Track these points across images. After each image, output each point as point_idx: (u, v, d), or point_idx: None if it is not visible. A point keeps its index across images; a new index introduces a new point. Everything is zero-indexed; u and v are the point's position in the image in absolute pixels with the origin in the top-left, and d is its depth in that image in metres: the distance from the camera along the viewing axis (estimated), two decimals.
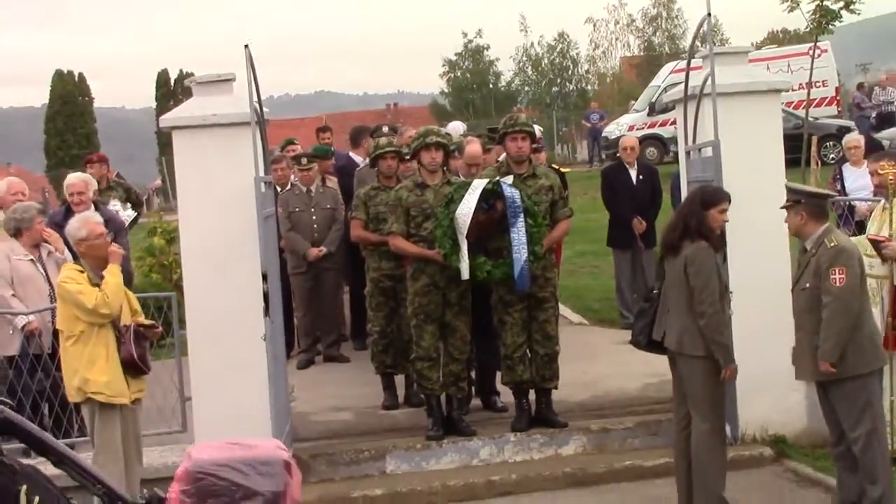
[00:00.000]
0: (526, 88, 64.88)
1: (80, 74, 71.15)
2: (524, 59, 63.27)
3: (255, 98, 8.40)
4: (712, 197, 7.72)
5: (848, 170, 12.64)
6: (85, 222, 8.09)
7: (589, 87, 62.98)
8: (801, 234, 7.59)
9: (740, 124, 8.93)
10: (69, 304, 7.82)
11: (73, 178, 10.49)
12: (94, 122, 69.61)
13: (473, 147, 10.30)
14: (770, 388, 9.18)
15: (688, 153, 9.60)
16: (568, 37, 63.10)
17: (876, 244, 8.44)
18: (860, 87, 32.59)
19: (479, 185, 9.08)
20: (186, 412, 9.45)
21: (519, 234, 9.01)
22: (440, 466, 9.23)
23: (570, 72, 63.63)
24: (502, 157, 11.15)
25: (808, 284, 7.43)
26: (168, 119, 9.12)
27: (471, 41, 63.79)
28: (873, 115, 30.50)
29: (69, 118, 66.67)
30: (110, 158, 13.78)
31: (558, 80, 63.59)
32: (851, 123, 29.32)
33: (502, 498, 8.80)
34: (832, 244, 7.34)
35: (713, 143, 8.60)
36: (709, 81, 8.79)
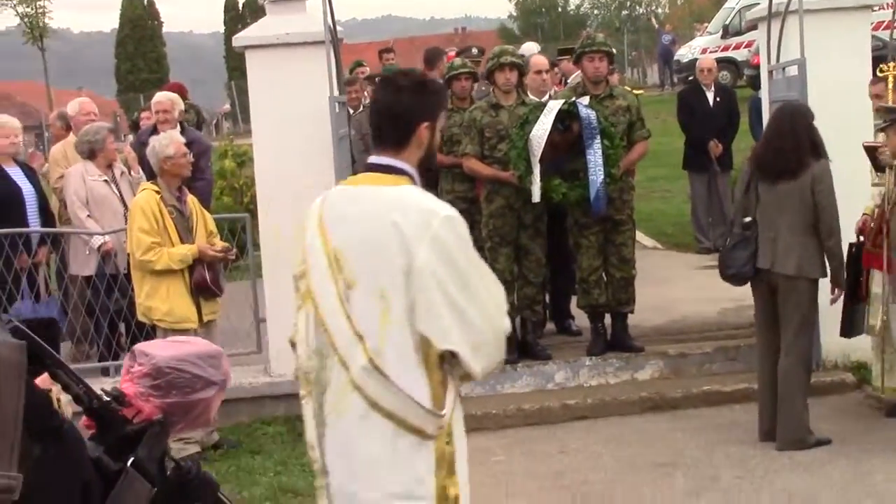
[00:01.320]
0: (595, 12, 64.30)
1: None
2: None
3: (330, 16, 8.28)
4: (808, 112, 7.50)
5: None
6: (171, 140, 8.06)
7: (660, 10, 62.16)
8: None
9: (827, 42, 8.65)
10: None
11: (160, 97, 10.41)
12: (163, 47, 69.82)
13: (537, 56, 10.13)
14: None
15: (770, 73, 9.35)
16: None
17: (871, 150, 8.13)
18: None
19: (554, 106, 8.92)
20: (261, 333, 9.45)
21: (595, 156, 8.86)
22: (515, 390, 9.17)
23: None
24: (573, 76, 11.00)
25: None
26: (241, 38, 9.02)
27: None
28: None
29: (139, 42, 66.94)
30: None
31: (628, 4, 62.83)
32: None
33: (577, 422, 8.72)
34: None
35: (799, 61, 8.35)
36: None
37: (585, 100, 9.04)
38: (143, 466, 2.83)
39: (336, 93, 8.54)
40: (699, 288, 11.08)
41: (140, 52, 66.68)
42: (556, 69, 12.20)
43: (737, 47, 31.84)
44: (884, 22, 23.93)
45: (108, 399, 2.91)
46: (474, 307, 3.77)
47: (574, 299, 9.83)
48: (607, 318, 9.53)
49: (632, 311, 9.48)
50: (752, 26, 32.94)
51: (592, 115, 8.87)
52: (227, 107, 49.63)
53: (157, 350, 3.12)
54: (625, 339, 9.47)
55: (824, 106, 8.28)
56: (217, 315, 8.26)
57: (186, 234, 7.99)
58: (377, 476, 3.81)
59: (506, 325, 3.87)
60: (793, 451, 7.51)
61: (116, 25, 70.60)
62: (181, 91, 12.82)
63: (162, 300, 7.88)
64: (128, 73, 65.97)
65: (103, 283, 9.11)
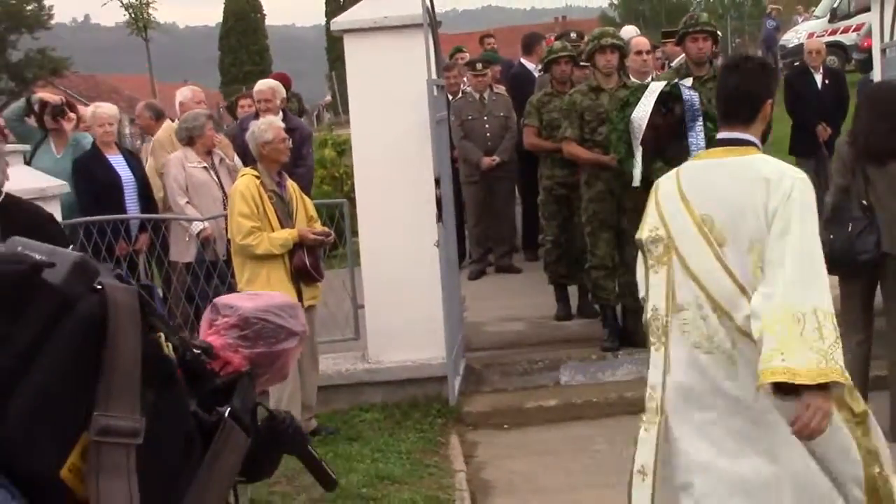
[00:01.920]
0: None
1: None
2: None
3: None
4: None
5: None
6: (270, 125, 8.02)
7: None
8: None
9: None
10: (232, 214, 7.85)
11: (261, 85, 10.39)
12: (265, 39, 70.45)
13: (638, 38, 9.96)
14: None
15: (883, 51, 9.05)
16: None
17: None
18: None
19: (656, 88, 8.72)
20: (359, 320, 9.41)
21: (697, 139, 8.63)
22: (616, 378, 9.01)
23: None
24: (677, 60, 10.77)
25: None
26: (339, 22, 8.97)
27: None
28: None
29: (242, 35, 67.58)
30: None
31: (704, 14, 61.85)
32: None
33: None
34: None
35: None
36: None
37: (689, 81, 8.83)
38: (239, 417, 2.84)
39: (434, 76, 8.43)
40: None
41: (243, 44, 67.30)
42: (658, 52, 11.99)
43: (845, 31, 31.07)
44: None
45: (199, 352, 2.93)
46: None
47: None
48: None
49: None
50: (862, 9, 32.67)
51: (695, 97, 8.65)
52: (329, 98, 49.87)
53: (241, 302, 3.17)
54: None
55: None
56: (318, 300, 8.22)
57: (287, 219, 7.95)
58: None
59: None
60: None
61: (220, 20, 71.35)
62: (285, 80, 12.82)
63: (262, 285, 7.84)
64: (231, 65, 66.66)
65: (202, 270, 9.13)
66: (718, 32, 9.31)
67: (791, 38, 34.09)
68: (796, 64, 28.60)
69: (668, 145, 8.81)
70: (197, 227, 9.22)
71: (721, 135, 4.54)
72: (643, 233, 4.55)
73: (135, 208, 9.57)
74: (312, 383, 8.15)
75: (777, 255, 4.06)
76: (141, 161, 10.23)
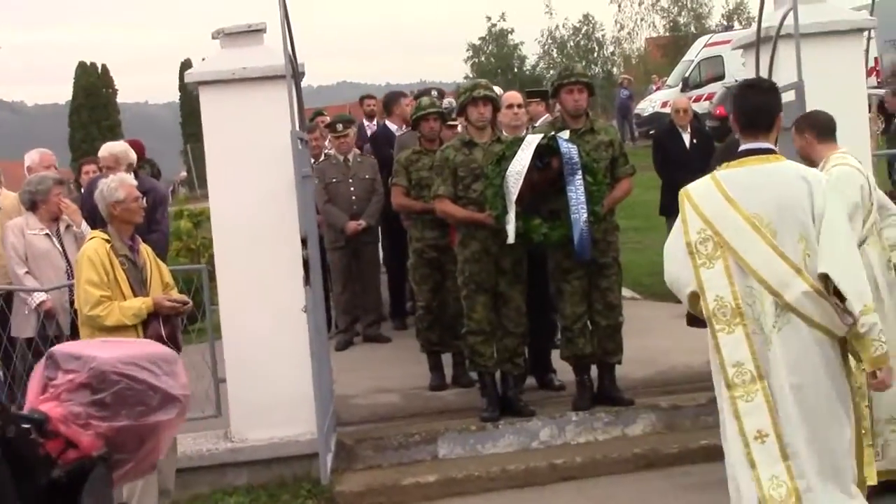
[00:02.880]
0: (551, 72, 64.16)
1: (104, 66, 70.43)
2: (549, 41, 62.84)
3: (290, 49, 7.65)
4: None
5: None
6: (122, 182, 7.32)
7: (615, 69, 62.34)
8: None
9: (820, 68, 8.09)
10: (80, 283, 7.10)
11: (105, 149, 9.30)
12: (118, 115, 69.10)
13: (511, 92, 9.58)
14: None
15: None
16: (593, 18, 62.78)
17: None
18: None
19: (532, 141, 8.33)
20: (221, 395, 8.73)
21: (577, 194, 8.26)
22: (497, 450, 8.49)
23: (595, 54, 63.06)
24: (542, 119, 10.47)
25: None
26: (194, 74, 8.37)
27: (494, 25, 63.16)
28: None
29: (93, 111, 66.11)
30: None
31: (584, 63, 62.81)
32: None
33: (566, 483, 8.06)
34: None
35: (797, 84, 7.76)
36: (787, 20, 7.98)
37: (565, 134, 8.46)
38: None
39: (298, 128, 7.88)
40: (682, 338, 10.35)
41: (94, 119, 65.84)
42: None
43: (697, 99, 31.55)
44: None
45: (27, 426, 2.00)
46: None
47: (555, 351, 9.20)
48: (593, 370, 8.88)
49: (619, 362, 8.86)
50: (712, 78, 33.29)
51: (574, 149, 8.28)
52: (184, 174, 49.11)
53: (94, 350, 2.21)
54: (613, 392, 8.82)
55: None
56: None
57: (140, 286, 7.24)
58: (815, 369, 5.26)
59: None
60: None
61: (70, 97, 69.81)
62: (137, 147, 12.07)
63: None
64: (82, 141, 64.97)
65: (46, 346, 8.34)
66: (593, 83, 8.95)
67: (646, 106, 34.79)
68: (652, 133, 29.03)
69: (546, 202, 8.42)
70: (38, 297, 8.46)
71: (748, 146, 5.47)
72: (689, 236, 5.39)
73: None
74: (171, 466, 7.42)
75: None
76: None
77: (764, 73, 8.60)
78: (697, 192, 5.42)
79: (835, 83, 8.35)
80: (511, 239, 8.25)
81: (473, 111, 8.65)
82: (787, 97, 8.08)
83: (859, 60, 8.73)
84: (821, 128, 6.92)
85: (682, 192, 5.50)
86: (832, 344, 5.27)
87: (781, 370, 5.23)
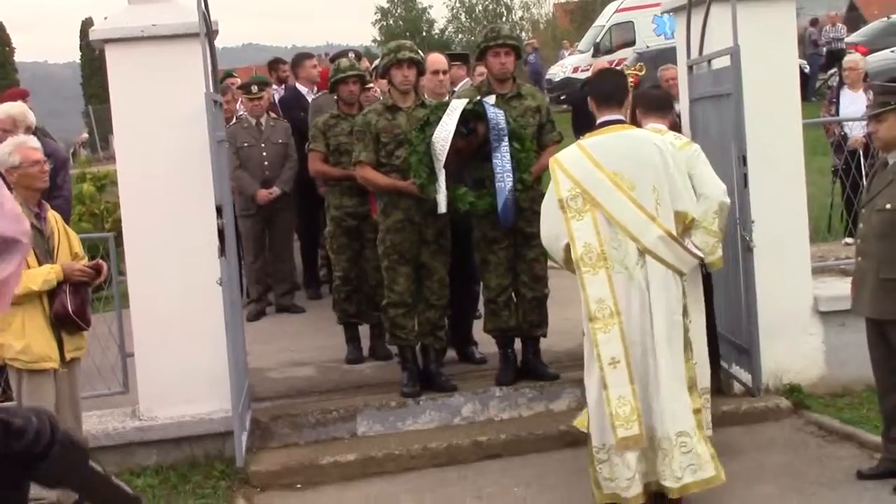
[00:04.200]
0: (459, 36, 64.12)
1: (0, 23, 68.61)
2: (457, 6, 62.63)
3: (203, 5, 7.21)
4: None
5: (845, 94, 11.80)
6: (18, 147, 6.81)
7: (523, 34, 62.30)
8: (892, 145, 6.57)
9: (754, 33, 7.84)
10: None
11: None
12: (15, 74, 67.20)
13: (434, 55, 9.21)
14: (785, 332, 8.31)
15: (690, 68, 8.55)
16: None
17: None
18: (814, 22, 31.65)
19: (458, 106, 8.00)
20: (128, 370, 8.30)
21: (503, 161, 7.95)
22: (418, 426, 8.19)
23: (503, 18, 62.89)
24: (462, 83, 10.16)
25: (888, 206, 6.42)
26: (99, 31, 7.85)
27: None
28: (824, 51, 29.95)
29: None
30: (35, 113, 12.09)
31: (506, 26, 62.81)
32: (803, 62, 28.67)
33: (490, 461, 7.77)
34: None
35: (732, 49, 7.49)
36: None
37: (491, 99, 8.14)
38: None
39: (212, 90, 7.44)
40: None
41: None
42: None
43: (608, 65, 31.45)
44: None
45: None
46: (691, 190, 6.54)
47: (477, 322, 9.00)
48: (517, 344, 8.61)
49: (544, 335, 8.59)
50: (623, 44, 33.24)
51: (500, 115, 7.97)
52: (85, 135, 47.95)
53: None
54: (538, 366, 8.55)
55: (755, 101, 7.75)
56: (83, 352, 7.06)
57: (46, 256, 6.75)
58: (669, 304, 6.22)
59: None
60: (739, 489, 6.71)
61: None
62: (22, 97, 11.49)
63: (16, 336, 6.62)
64: None
65: None
66: (520, 45, 8.63)
67: (557, 71, 34.74)
68: (563, 97, 28.77)
69: (472, 169, 8.11)
70: None
71: (605, 118, 6.53)
72: (561, 193, 6.29)
73: None
74: None
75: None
76: None
77: (695, 37, 8.37)
78: (566, 159, 6.43)
79: (768, 48, 8.14)
80: (443, 208, 7.95)
81: (398, 74, 8.28)
82: (723, 62, 7.88)
83: (792, 25, 8.50)
84: (647, 105, 7.54)
85: (551, 160, 6.53)
86: (676, 282, 6.28)
87: (638, 303, 6.18)
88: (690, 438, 6.17)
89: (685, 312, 6.34)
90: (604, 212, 6.19)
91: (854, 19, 40.14)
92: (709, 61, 8.18)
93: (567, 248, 6.28)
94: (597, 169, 6.25)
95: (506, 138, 7.96)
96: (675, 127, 7.95)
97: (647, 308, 6.18)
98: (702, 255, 6.56)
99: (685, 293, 6.38)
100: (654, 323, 6.17)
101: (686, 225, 6.45)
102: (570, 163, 6.37)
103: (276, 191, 11.03)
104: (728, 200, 6.95)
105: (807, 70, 28.20)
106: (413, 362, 8.46)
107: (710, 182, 6.87)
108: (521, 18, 63.55)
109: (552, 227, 6.43)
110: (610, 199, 6.20)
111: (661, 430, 6.18)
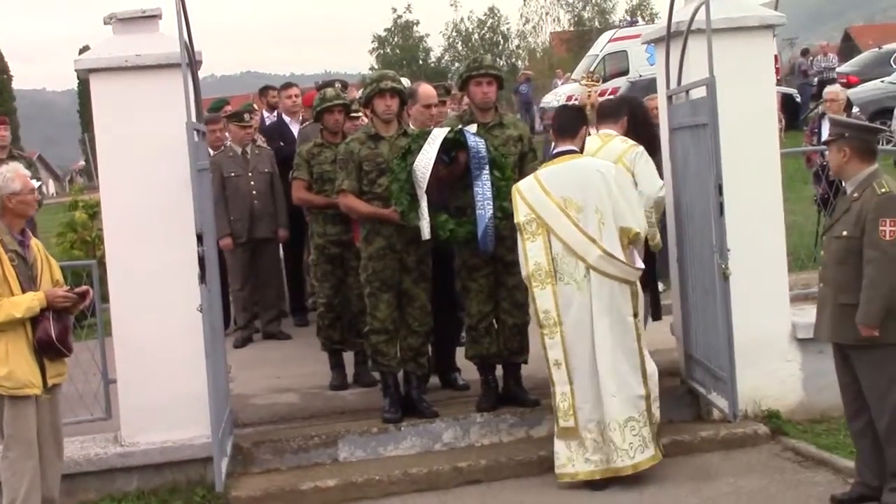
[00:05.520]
0: (456, 64, 64.08)
1: None
2: (454, 34, 62.71)
3: (186, 35, 7.30)
4: None
5: (826, 124, 11.87)
6: (17, 172, 6.90)
7: (519, 63, 62.46)
8: (843, 173, 6.68)
9: (731, 64, 7.94)
10: None
11: None
12: (13, 102, 67.34)
13: (426, 87, 9.30)
14: (764, 359, 8.39)
15: (669, 98, 8.66)
16: (498, 11, 62.69)
17: None
18: (805, 53, 31.91)
19: (439, 135, 8.10)
20: (111, 397, 8.35)
21: (483, 189, 8.06)
22: (399, 452, 8.26)
23: (500, 47, 63.00)
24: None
25: (844, 233, 6.49)
26: (84, 61, 7.94)
27: (400, 17, 62.88)
28: (815, 81, 30.15)
29: None
30: (33, 141, 12.24)
31: (489, 56, 62.87)
32: (794, 91, 28.87)
33: (470, 486, 7.83)
34: (882, 190, 6.41)
35: (708, 80, 7.58)
36: (699, 15, 7.83)
37: (473, 128, 8.24)
38: None
39: (194, 120, 7.53)
40: None
41: None
42: None
43: (601, 94, 31.52)
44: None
45: None
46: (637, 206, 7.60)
47: (459, 349, 9.04)
48: (498, 370, 8.67)
49: (525, 362, 8.65)
50: (616, 73, 33.36)
51: (481, 143, 8.07)
52: (82, 163, 48.21)
53: None
54: (518, 392, 8.62)
55: (731, 130, 7.86)
56: (64, 378, 7.12)
57: (29, 283, 6.82)
58: (619, 310, 7.40)
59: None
60: None
61: None
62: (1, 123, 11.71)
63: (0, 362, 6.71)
64: None
65: None
66: (503, 76, 8.72)
67: (551, 100, 34.73)
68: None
69: (453, 197, 8.20)
70: None
71: (560, 148, 7.65)
72: (519, 217, 7.50)
73: None
74: (56, 472, 7.05)
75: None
76: None
77: (674, 68, 8.47)
78: (524, 187, 7.54)
79: (745, 79, 8.24)
80: (426, 235, 8.05)
81: (380, 103, 8.38)
82: (699, 93, 7.97)
83: (769, 56, 8.61)
84: (601, 113, 8.76)
85: (514, 187, 7.62)
86: (621, 290, 7.39)
87: (581, 314, 7.40)
88: (638, 423, 7.38)
89: (636, 313, 7.46)
90: (554, 234, 7.38)
91: (849, 49, 40.44)
92: (687, 92, 8.28)
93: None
94: (546, 196, 7.41)
95: (486, 167, 8.05)
96: (626, 133, 8.59)
97: (591, 316, 7.35)
98: (641, 266, 7.53)
99: (636, 294, 7.47)
100: (596, 329, 7.35)
101: (630, 238, 7.42)
102: (526, 191, 7.49)
103: (284, 234, 11.56)
104: (663, 195, 8.28)
105: (798, 99, 28.43)
106: (395, 388, 8.52)
107: (646, 181, 8.08)
108: (518, 47, 63.61)
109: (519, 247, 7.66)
110: (558, 223, 7.38)
111: (609, 418, 7.34)
